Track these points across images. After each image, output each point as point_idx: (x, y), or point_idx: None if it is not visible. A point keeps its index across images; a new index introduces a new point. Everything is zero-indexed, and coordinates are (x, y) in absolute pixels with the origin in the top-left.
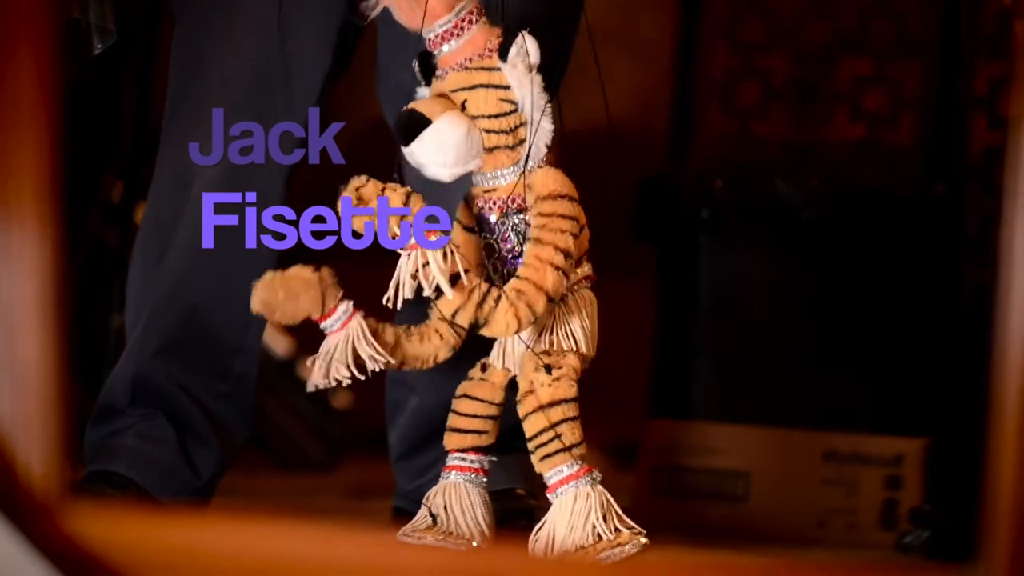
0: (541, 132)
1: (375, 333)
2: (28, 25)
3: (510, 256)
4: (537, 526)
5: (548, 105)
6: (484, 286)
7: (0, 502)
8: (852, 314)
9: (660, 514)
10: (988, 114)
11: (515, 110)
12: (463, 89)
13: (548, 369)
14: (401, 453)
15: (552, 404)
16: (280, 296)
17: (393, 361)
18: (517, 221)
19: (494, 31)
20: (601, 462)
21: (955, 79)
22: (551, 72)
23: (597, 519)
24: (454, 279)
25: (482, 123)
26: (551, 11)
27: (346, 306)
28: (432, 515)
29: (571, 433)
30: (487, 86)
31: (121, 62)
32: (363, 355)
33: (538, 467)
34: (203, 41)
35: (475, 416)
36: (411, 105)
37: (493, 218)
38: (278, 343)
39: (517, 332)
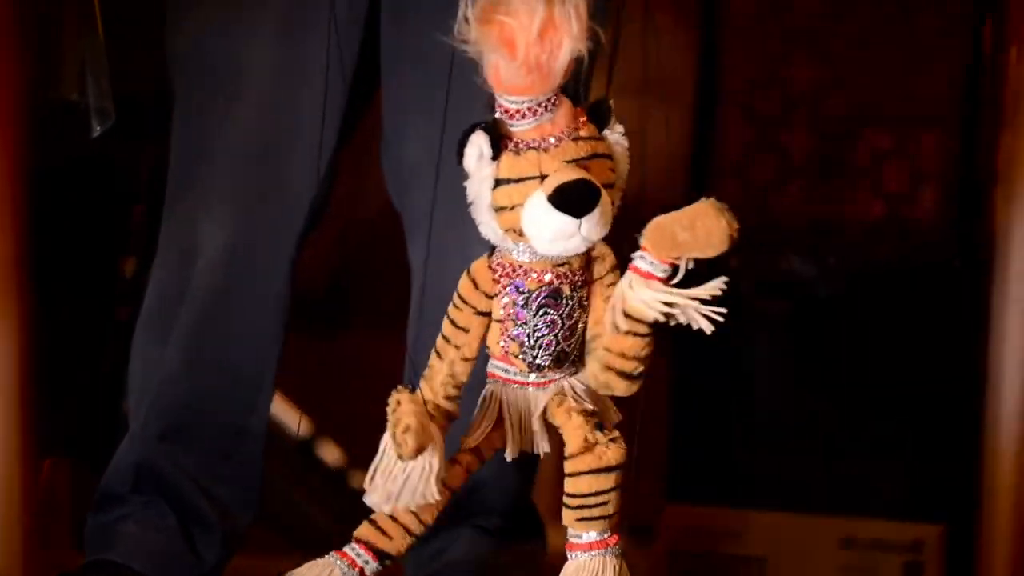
0: (618, 201)
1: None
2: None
3: (572, 332)
4: None
5: None
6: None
7: None
8: (871, 395)
9: None
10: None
11: (615, 181)
12: (583, 159)
13: (600, 427)
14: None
15: (608, 469)
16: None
17: None
18: (582, 296)
19: (569, 101)
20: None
21: (975, 152)
22: None
23: None
24: None
25: None
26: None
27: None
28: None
29: (616, 501)
30: (601, 156)
31: (131, 138)
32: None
33: (573, 525)
34: (204, 118)
35: (397, 522)
36: (569, 176)
37: (567, 291)
38: (294, 422)
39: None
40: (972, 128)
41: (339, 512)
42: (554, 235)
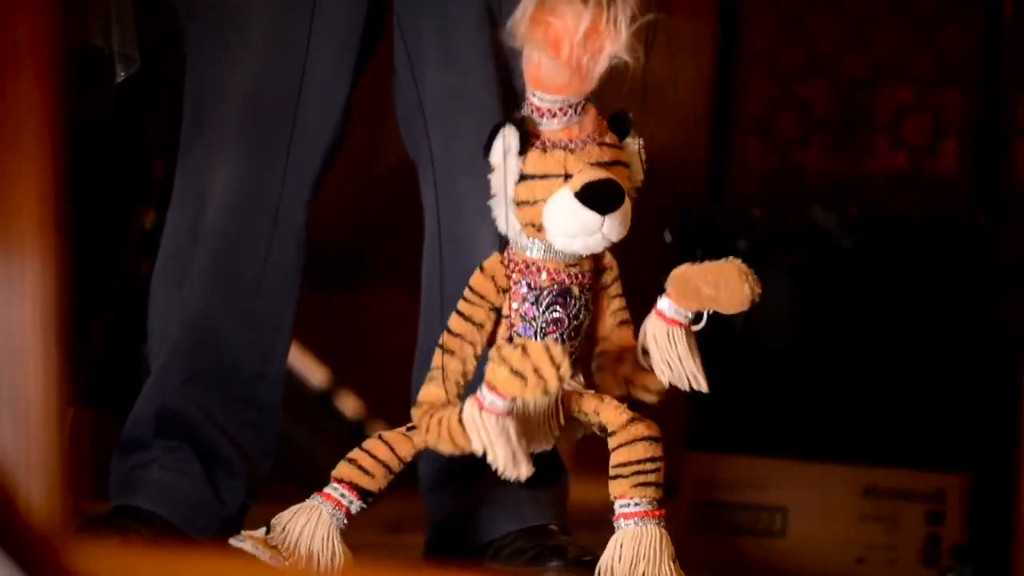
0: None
1: None
2: (30, 50)
3: (576, 332)
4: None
5: None
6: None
7: (1, 538)
8: (892, 346)
9: (698, 549)
10: None
11: (629, 188)
12: (606, 163)
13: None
14: (431, 485)
15: (657, 439)
16: None
17: None
18: (588, 299)
19: (593, 107)
20: None
21: (997, 107)
22: None
23: (673, 561)
24: None
25: None
26: None
27: None
28: (268, 525)
29: (663, 472)
30: (621, 164)
31: (151, 88)
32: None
33: (627, 492)
34: (216, 65)
35: (376, 459)
36: (596, 175)
37: (576, 291)
38: (314, 374)
39: None
40: (994, 84)
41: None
42: (577, 230)
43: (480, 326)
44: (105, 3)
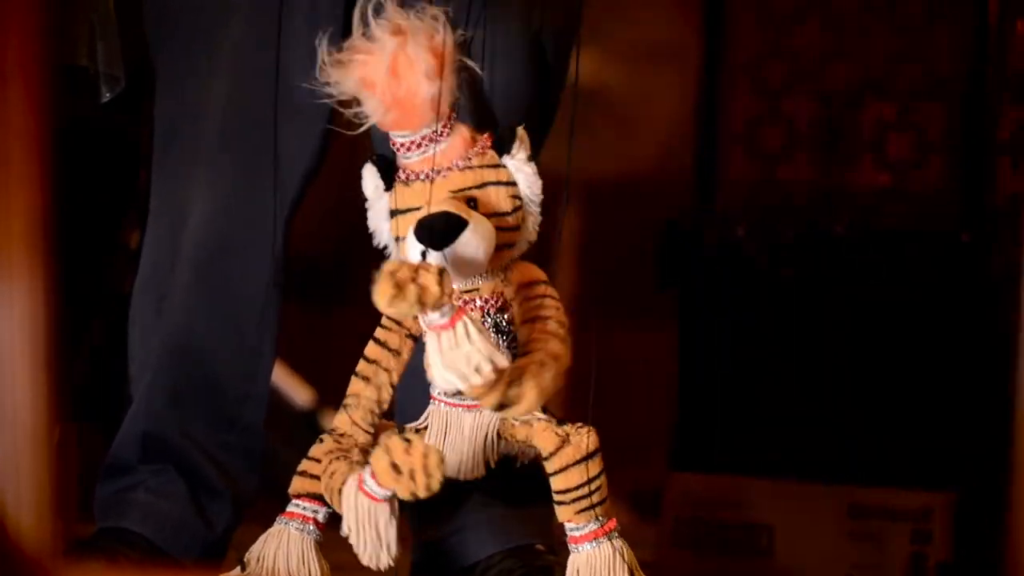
0: (534, 224)
1: None
2: (18, 69)
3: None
4: None
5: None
6: (509, 367)
7: None
8: (878, 364)
9: (684, 568)
10: (1012, 159)
11: (521, 206)
12: (470, 188)
13: (562, 422)
14: (416, 506)
15: (591, 456)
16: None
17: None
18: (499, 320)
19: (469, 128)
20: (623, 512)
21: (981, 123)
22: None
23: (636, 570)
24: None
25: (495, 221)
26: (532, 90)
27: None
28: (241, 563)
29: (605, 487)
30: (497, 183)
31: (137, 106)
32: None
33: (572, 518)
34: (189, 86)
35: (319, 461)
36: (434, 209)
37: (476, 316)
38: (299, 393)
39: (536, 408)
40: (978, 99)
41: None
42: (415, 257)
43: (396, 352)
44: (89, 23)
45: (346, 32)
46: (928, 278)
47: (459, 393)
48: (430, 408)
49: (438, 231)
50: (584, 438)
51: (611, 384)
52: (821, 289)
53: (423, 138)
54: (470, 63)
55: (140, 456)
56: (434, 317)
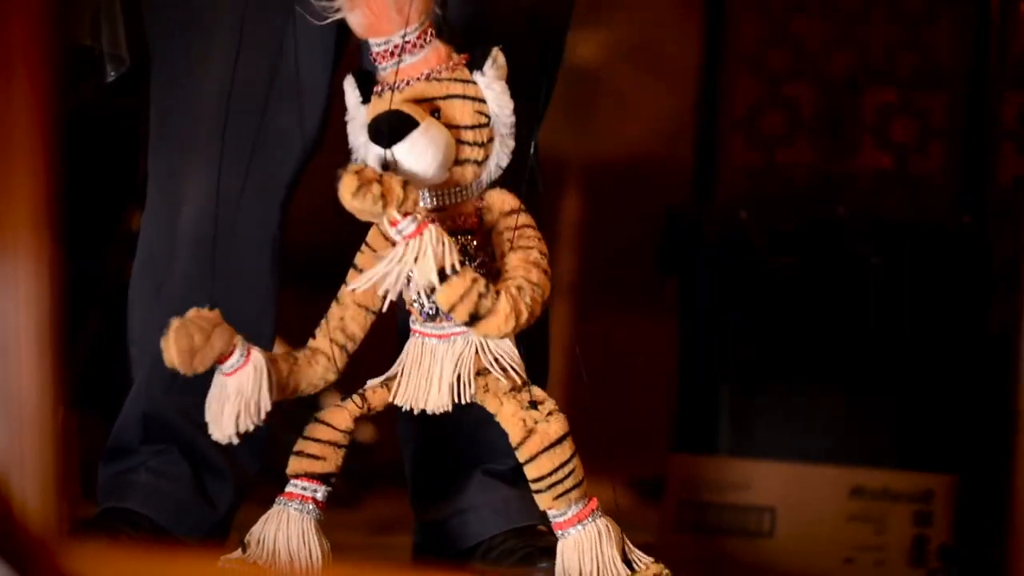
0: (504, 149)
1: (273, 362)
2: (23, 51)
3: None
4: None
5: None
6: (483, 279)
7: None
8: (880, 346)
9: (685, 550)
10: (1017, 144)
11: (488, 124)
12: (435, 99)
13: (534, 405)
14: (419, 487)
15: (559, 441)
16: (197, 340)
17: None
18: (464, 241)
19: (449, 47)
20: (624, 497)
21: (983, 108)
22: (536, 100)
23: (629, 549)
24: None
25: (456, 134)
26: (532, 35)
27: (242, 342)
28: (243, 543)
29: (579, 468)
30: (463, 97)
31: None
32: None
33: (551, 505)
34: (185, 70)
35: (320, 441)
36: (392, 107)
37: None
38: None
39: (513, 332)
40: (980, 85)
41: (344, 466)
42: (375, 165)
43: (361, 269)
44: (94, 3)
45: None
46: (929, 262)
47: (435, 319)
48: (408, 342)
49: (386, 129)
50: (549, 425)
51: (613, 369)
52: (822, 273)
53: (395, 47)
54: None
55: (142, 437)
56: (404, 225)
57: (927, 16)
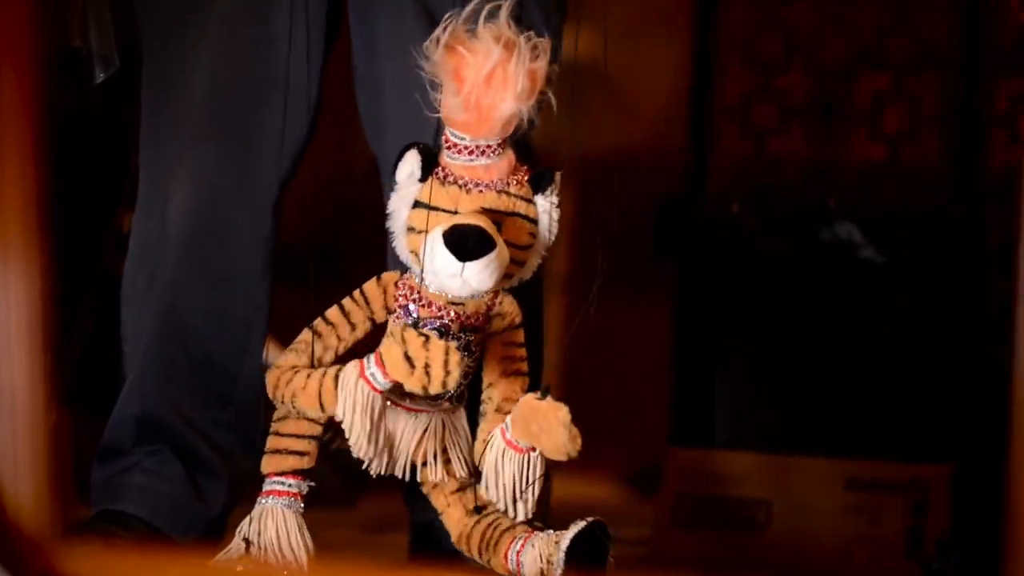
0: (533, 265)
1: None
2: (12, 52)
3: None
4: None
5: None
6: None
7: None
8: (874, 337)
9: (682, 543)
10: (1008, 131)
11: (532, 245)
12: (500, 212)
13: (479, 510)
14: (410, 486)
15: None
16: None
17: None
18: (471, 339)
19: (514, 154)
20: (622, 490)
21: (975, 95)
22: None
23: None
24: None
25: (511, 252)
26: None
27: None
28: (246, 542)
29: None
30: (523, 217)
31: (129, 89)
32: None
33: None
34: (176, 66)
35: (296, 436)
36: (470, 220)
37: (454, 329)
38: None
39: None
40: (972, 72)
41: (335, 461)
42: (438, 269)
43: (354, 327)
44: (82, 3)
45: (330, 13)
46: (923, 250)
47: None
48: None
49: (471, 244)
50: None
51: (609, 361)
52: (816, 263)
53: (476, 147)
54: (551, 96)
55: (135, 438)
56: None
57: (919, 2)
